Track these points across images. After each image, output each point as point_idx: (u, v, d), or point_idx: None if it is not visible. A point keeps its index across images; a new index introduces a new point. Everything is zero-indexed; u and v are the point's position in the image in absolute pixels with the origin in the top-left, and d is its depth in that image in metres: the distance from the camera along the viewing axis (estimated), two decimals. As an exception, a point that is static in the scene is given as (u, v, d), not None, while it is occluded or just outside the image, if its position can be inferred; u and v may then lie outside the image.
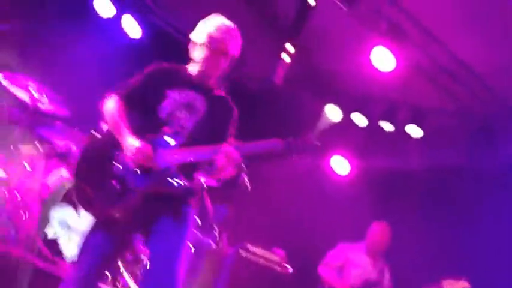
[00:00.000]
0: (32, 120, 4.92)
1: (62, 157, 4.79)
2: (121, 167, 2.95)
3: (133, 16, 6.74)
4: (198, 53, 3.21)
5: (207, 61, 3.18)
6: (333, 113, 7.37)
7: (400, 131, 7.10)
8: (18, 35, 5.59)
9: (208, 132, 3.10)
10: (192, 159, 2.98)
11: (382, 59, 6.01)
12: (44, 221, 4.41)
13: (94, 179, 2.97)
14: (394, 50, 5.98)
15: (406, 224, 6.79)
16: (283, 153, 2.96)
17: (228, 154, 2.87)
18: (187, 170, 3.02)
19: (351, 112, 7.38)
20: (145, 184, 2.91)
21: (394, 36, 6.11)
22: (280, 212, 7.67)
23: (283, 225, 7.60)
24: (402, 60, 6.03)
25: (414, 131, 6.97)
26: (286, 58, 5.99)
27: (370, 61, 6.10)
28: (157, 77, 3.21)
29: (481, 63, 6.45)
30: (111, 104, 3.12)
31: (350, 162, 7.86)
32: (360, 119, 7.36)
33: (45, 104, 4.95)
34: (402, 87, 6.82)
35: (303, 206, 7.79)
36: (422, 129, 6.97)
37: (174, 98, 3.13)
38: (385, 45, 5.99)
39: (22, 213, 4.41)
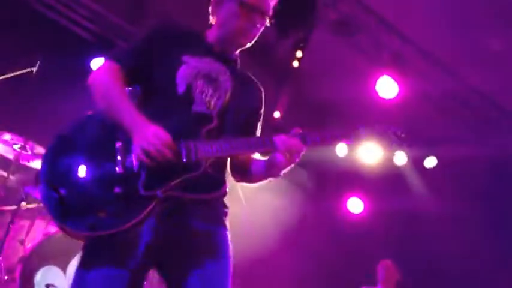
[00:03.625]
0: (16, 179, 4.66)
1: (48, 214, 4.49)
2: (126, 165, 2.06)
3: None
4: (222, 11, 2.38)
5: (236, 20, 2.32)
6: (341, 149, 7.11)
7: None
8: (7, 87, 5.40)
9: (237, 118, 2.33)
10: (238, 152, 2.20)
11: (387, 88, 5.77)
12: (26, 281, 4.06)
13: (83, 182, 2.04)
14: (397, 78, 5.74)
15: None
16: (354, 142, 2.29)
17: (290, 146, 2.15)
18: (222, 167, 2.28)
19: (359, 147, 7.07)
20: (165, 188, 2.04)
21: (398, 66, 5.91)
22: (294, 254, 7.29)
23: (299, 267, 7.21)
24: (407, 89, 5.79)
25: (428, 161, 6.66)
26: (295, 63, 5.71)
27: (375, 91, 5.87)
28: (167, 34, 2.36)
29: (491, 87, 6.22)
30: (107, 77, 2.23)
31: (363, 201, 7.62)
32: (369, 154, 7.06)
33: (29, 159, 4.71)
34: (412, 117, 6.52)
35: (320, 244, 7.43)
36: (436, 160, 6.65)
37: (193, 65, 2.30)
38: (388, 74, 5.77)
39: (4, 274, 4.09)
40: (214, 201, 2.21)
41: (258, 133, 2.48)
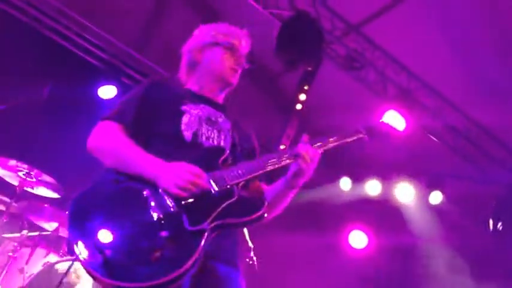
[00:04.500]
0: (19, 206, 4.62)
1: (51, 242, 4.45)
2: (163, 208, 2.00)
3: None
4: (206, 57, 2.53)
5: (226, 61, 2.50)
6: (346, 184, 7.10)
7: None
8: (16, 113, 5.41)
9: (243, 150, 2.46)
10: (264, 169, 2.19)
11: (392, 123, 5.75)
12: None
13: (126, 239, 1.92)
14: (404, 113, 5.73)
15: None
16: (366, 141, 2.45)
17: (307, 155, 2.21)
18: (255, 188, 2.36)
19: (365, 182, 7.06)
20: (210, 218, 2.00)
21: (404, 101, 5.92)
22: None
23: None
24: (413, 124, 5.76)
25: (434, 197, 6.60)
26: (299, 106, 5.73)
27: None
28: (160, 90, 2.43)
29: (501, 127, 6.22)
30: (109, 134, 2.22)
31: (367, 235, 7.53)
32: (374, 188, 7.03)
33: (34, 186, 4.68)
34: (417, 153, 6.50)
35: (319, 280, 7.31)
36: (442, 196, 6.59)
37: (194, 113, 2.36)
38: (394, 108, 5.75)
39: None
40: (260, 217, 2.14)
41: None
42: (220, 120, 2.45)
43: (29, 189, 4.74)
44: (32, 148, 5.56)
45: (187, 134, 2.29)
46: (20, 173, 4.60)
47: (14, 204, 4.56)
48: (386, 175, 6.93)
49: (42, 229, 4.71)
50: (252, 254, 4.81)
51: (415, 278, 6.87)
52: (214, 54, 2.53)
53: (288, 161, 2.25)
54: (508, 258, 6.30)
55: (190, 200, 2.03)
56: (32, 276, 4.11)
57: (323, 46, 5.74)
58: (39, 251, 4.41)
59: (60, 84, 5.60)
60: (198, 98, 2.48)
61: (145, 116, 2.31)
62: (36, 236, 4.46)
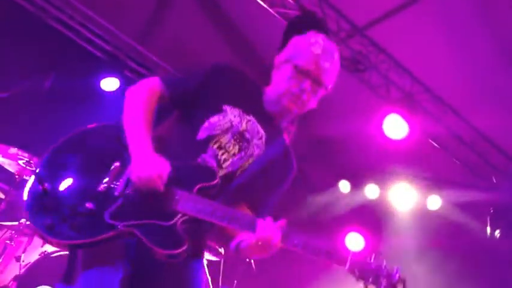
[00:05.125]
0: (18, 194, 4.61)
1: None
2: (111, 186, 2.05)
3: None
4: (278, 73, 2.31)
5: (286, 82, 2.25)
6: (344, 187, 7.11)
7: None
8: (18, 102, 5.39)
9: (249, 187, 2.21)
10: (217, 221, 2.02)
11: (394, 127, 5.75)
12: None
13: (67, 185, 2.05)
14: (406, 118, 5.73)
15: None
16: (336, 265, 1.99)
17: (270, 237, 1.97)
18: (196, 229, 2.13)
19: (363, 185, 7.06)
20: (128, 223, 1.97)
21: (406, 105, 5.92)
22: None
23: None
24: (415, 128, 5.76)
25: (432, 203, 6.61)
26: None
27: (382, 130, 5.85)
28: (224, 79, 2.30)
29: (502, 135, 6.22)
30: (145, 93, 2.20)
31: (364, 238, 7.53)
32: (373, 192, 7.03)
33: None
34: (417, 158, 6.50)
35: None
36: (441, 201, 6.60)
37: (229, 117, 2.22)
38: (396, 112, 5.76)
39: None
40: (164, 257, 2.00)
41: (263, 210, 2.29)
42: (255, 141, 2.24)
43: (28, 178, 4.72)
44: (32, 137, 5.54)
45: (202, 134, 2.19)
46: (20, 162, 4.58)
47: (13, 192, 4.54)
48: (386, 179, 6.93)
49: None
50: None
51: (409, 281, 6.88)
52: (283, 72, 2.30)
53: (244, 229, 2.02)
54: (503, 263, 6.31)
55: (134, 197, 2.03)
56: (29, 264, 4.10)
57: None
58: (37, 240, 4.39)
59: (63, 75, 5.59)
60: (256, 108, 2.30)
61: (193, 96, 2.26)
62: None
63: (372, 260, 1.97)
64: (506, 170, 6.41)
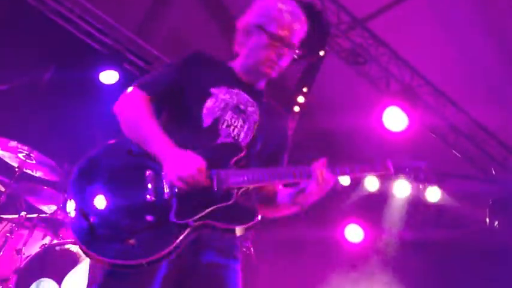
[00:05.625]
0: (19, 187, 4.62)
1: (49, 225, 4.44)
2: (158, 193, 2.03)
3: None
4: (251, 41, 2.35)
5: (264, 51, 2.30)
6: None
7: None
8: (17, 95, 5.38)
9: (265, 149, 2.33)
10: (270, 181, 2.12)
11: (394, 119, 5.75)
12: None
13: (114, 210, 1.99)
14: (406, 110, 5.73)
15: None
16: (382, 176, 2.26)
17: (321, 177, 2.11)
18: (250, 196, 2.18)
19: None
20: (197, 216, 1.98)
21: (406, 97, 5.91)
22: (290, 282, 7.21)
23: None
24: (414, 121, 5.76)
25: (431, 194, 6.62)
26: (296, 108, 5.70)
27: (382, 122, 5.85)
28: (199, 66, 2.35)
29: (501, 127, 6.23)
30: (135, 105, 2.20)
31: (364, 230, 7.56)
32: (373, 184, 7.04)
33: (33, 169, 4.68)
34: (417, 150, 6.51)
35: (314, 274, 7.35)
36: (440, 193, 6.62)
37: (221, 97, 2.28)
38: (396, 105, 5.75)
39: (-1, 286, 4.02)
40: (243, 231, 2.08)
41: (285, 164, 2.46)
42: (250, 109, 2.34)
43: (29, 171, 4.73)
44: (32, 130, 5.55)
45: (207, 120, 2.23)
46: (20, 155, 4.59)
47: (13, 185, 4.55)
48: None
49: (41, 211, 4.71)
50: (248, 244, 4.83)
51: (411, 272, 6.91)
52: (256, 41, 2.35)
53: (299, 179, 2.16)
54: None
55: (186, 192, 2.01)
56: (29, 257, 4.11)
57: (328, 39, 5.73)
58: (37, 233, 4.41)
59: (62, 68, 5.57)
60: (236, 81, 2.38)
61: (176, 90, 2.28)
62: (34, 218, 4.45)
63: (409, 160, 2.26)
64: (505, 161, 6.42)
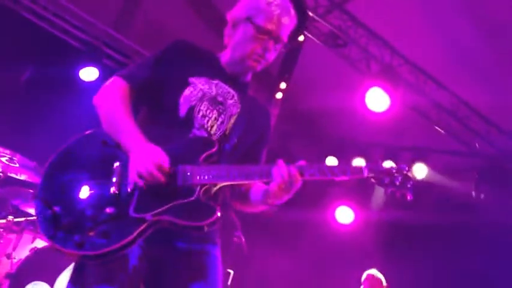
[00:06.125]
0: (4, 192, 4.57)
1: (37, 228, 4.42)
2: (121, 185, 2.04)
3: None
4: (238, 33, 2.34)
5: (250, 43, 2.29)
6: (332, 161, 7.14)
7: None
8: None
9: (241, 143, 2.31)
10: (234, 180, 2.09)
11: (376, 100, 5.77)
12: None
13: (78, 200, 2.02)
14: (387, 90, 5.75)
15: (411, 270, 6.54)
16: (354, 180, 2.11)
17: (287, 177, 2.03)
18: (216, 193, 2.16)
19: (351, 159, 7.10)
20: (155, 211, 1.98)
21: (387, 77, 5.93)
22: (283, 267, 7.28)
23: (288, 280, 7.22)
24: (397, 100, 5.79)
25: (418, 171, 6.68)
26: (279, 95, 5.70)
27: (364, 104, 5.87)
28: (179, 55, 2.34)
29: (482, 102, 6.29)
30: (113, 95, 2.21)
31: (354, 211, 7.62)
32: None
33: (18, 172, 4.63)
34: (400, 129, 6.56)
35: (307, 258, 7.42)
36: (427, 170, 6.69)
37: (199, 87, 2.27)
38: (378, 85, 5.77)
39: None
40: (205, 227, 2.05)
41: (262, 160, 2.44)
42: (229, 102, 2.32)
43: (13, 175, 4.68)
44: (12, 131, 5.48)
45: (183, 109, 2.22)
46: (3, 159, 4.54)
47: (-3, 190, 4.51)
48: (371, 153, 6.99)
49: (29, 214, 4.67)
50: (239, 233, 4.84)
51: (397, 253, 7.01)
52: (243, 33, 2.33)
53: (265, 178, 2.09)
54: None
55: (148, 187, 2.01)
56: (19, 261, 4.10)
57: (306, 24, 5.70)
58: (26, 237, 4.39)
59: (41, 67, 5.50)
60: (219, 72, 2.36)
61: (156, 79, 2.28)
62: (22, 221, 4.43)
63: (384, 163, 2.10)
64: (488, 135, 6.49)
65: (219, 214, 2.01)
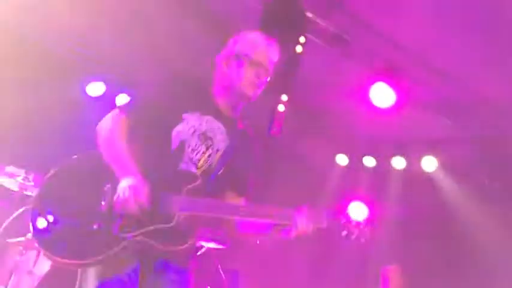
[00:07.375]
0: (23, 210, 4.67)
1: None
2: (110, 205, 2.32)
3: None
4: (231, 68, 2.63)
5: (244, 73, 2.58)
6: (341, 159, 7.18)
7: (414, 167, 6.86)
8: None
9: (227, 177, 2.59)
10: (219, 215, 2.44)
11: (381, 95, 5.79)
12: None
13: (70, 213, 2.29)
14: (392, 86, 5.76)
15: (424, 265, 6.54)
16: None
17: (309, 227, 2.46)
18: (196, 223, 2.42)
19: (360, 156, 7.14)
20: (135, 233, 2.27)
21: (391, 73, 5.93)
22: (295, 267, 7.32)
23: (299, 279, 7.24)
24: (402, 95, 5.79)
25: (428, 164, 6.69)
26: (281, 108, 5.74)
27: (370, 100, 5.88)
28: (176, 91, 2.57)
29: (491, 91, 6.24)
30: (113, 129, 2.48)
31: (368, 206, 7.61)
32: (370, 162, 7.11)
33: (33, 190, 4.74)
34: (408, 122, 6.55)
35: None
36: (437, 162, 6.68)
37: (191, 123, 2.54)
38: (382, 81, 5.79)
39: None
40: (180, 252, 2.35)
41: (248, 185, 2.73)
42: (218, 137, 2.59)
43: (29, 193, 4.79)
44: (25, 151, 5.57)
45: (175, 142, 2.51)
46: (18, 178, 4.66)
47: (14, 209, 4.61)
48: (381, 150, 6.99)
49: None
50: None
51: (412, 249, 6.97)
52: (236, 65, 2.62)
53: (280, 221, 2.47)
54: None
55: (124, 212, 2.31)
56: (41, 276, 4.20)
57: (307, 25, 5.73)
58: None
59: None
60: (210, 108, 2.62)
61: (154, 113, 2.52)
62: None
63: (343, 215, 2.46)
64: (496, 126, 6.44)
65: (190, 242, 2.33)
